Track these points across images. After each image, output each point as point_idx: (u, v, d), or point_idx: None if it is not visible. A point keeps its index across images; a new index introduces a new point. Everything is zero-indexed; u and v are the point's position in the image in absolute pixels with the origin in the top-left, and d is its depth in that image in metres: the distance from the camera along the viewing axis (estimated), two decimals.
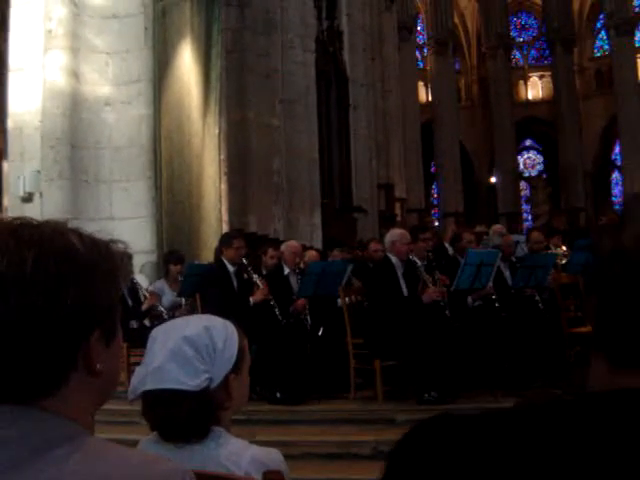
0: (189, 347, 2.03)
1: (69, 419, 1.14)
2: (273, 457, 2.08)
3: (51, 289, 1.11)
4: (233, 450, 2.05)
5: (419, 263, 7.74)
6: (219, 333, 2.08)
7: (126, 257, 1.26)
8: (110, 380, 1.24)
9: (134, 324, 8.54)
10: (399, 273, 7.65)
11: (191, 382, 2.00)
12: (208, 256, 10.25)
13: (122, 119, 10.01)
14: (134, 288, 8.68)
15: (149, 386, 2.04)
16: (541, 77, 37.04)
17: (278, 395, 7.39)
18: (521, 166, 36.61)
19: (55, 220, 1.22)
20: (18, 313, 1.09)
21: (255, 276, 7.95)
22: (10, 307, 1.09)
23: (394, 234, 7.94)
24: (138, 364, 2.18)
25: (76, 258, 1.15)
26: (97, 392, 1.21)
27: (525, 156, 37.60)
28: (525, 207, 34.53)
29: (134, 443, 1.95)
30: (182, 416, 2.01)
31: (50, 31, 9.92)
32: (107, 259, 1.21)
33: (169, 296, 8.94)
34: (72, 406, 1.15)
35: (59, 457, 1.08)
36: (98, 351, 1.17)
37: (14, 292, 1.10)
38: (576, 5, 35.11)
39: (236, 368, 2.09)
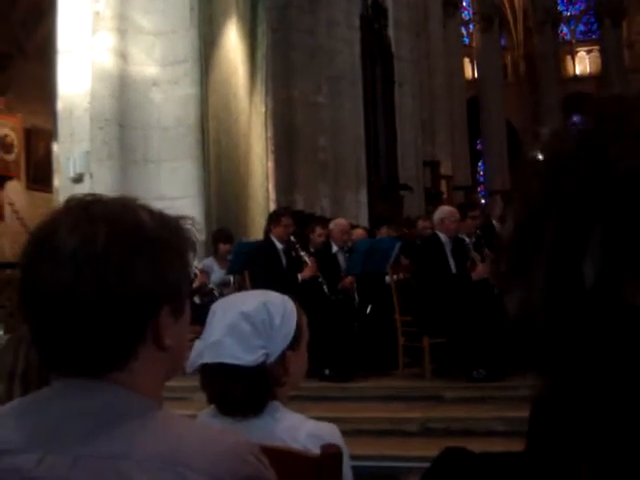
0: (246, 323, 2.05)
1: (139, 392, 1.17)
2: (330, 431, 2.10)
3: (122, 264, 1.14)
4: (290, 424, 2.08)
5: (467, 240, 7.71)
6: (277, 309, 2.09)
7: (194, 234, 1.28)
8: (178, 355, 1.27)
9: None
10: (447, 250, 7.63)
11: (247, 357, 2.03)
12: (256, 234, 10.30)
13: (169, 99, 10.07)
14: None
15: (206, 359, 2.07)
16: (589, 52, 36.43)
17: (327, 372, 7.43)
18: None
19: (125, 197, 1.25)
20: (90, 288, 1.13)
21: (303, 253, 7.99)
22: (82, 282, 1.13)
23: (443, 211, 7.92)
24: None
25: (146, 234, 1.18)
26: (165, 366, 1.24)
27: None
28: None
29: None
30: (238, 391, 2.04)
31: (98, 13, 9.99)
32: (176, 235, 1.23)
33: (218, 274, 9.01)
34: (141, 380, 1.18)
35: (130, 430, 1.12)
36: (167, 326, 1.20)
37: (86, 268, 1.13)
38: None
39: (294, 344, 2.11)
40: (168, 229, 1.22)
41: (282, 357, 2.08)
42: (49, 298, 1.14)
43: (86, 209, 1.18)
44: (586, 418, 0.51)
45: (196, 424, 1.24)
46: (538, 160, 0.56)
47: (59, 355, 1.17)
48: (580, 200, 0.50)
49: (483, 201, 29.92)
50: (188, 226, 1.27)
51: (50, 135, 12.84)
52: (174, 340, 1.21)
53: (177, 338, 1.23)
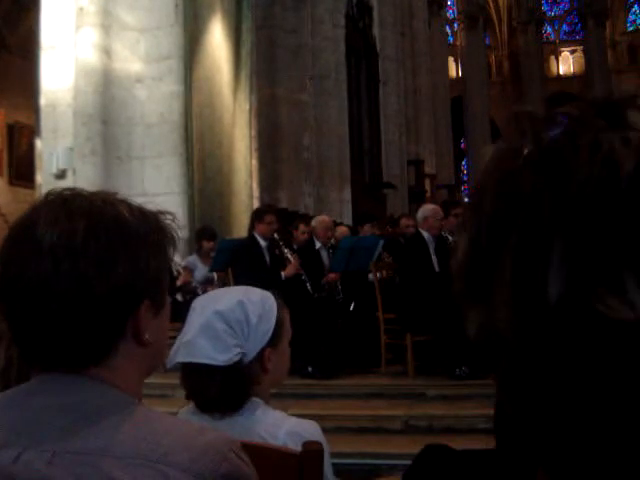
0: (220, 322, 2.02)
1: (118, 388, 1.17)
2: (311, 429, 2.08)
3: (101, 259, 1.13)
4: (270, 422, 2.06)
5: (451, 238, 7.73)
6: (254, 307, 2.06)
7: (174, 229, 1.27)
8: (158, 350, 1.27)
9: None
10: (431, 249, 7.64)
11: (221, 357, 1.99)
12: (239, 231, 10.30)
13: (153, 96, 10.04)
14: None
15: (180, 358, 2.06)
16: (573, 52, 36.61)
17: (310, 369, 7.43)
18: None
19: (105, 191, 1.25)
20: (69, 282, 1.12)
21: (286, 251, 7.99)
22: (61, 277, 1.12)
23: (426, 209, 7.93)
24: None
25: (126, 229, 1.17)
26: (145, 362, 1.23)
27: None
28: None
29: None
30: (212, 389, 2.02)
31: (82, 8, 9.95)
32: (156, 230, 1.23)
33: (201, 271, 9.01)
34: (121, 375, 1.18)
35: (109, 426, 1.11)
36: (147, 321, 1.19)
37: (65, 262, 1.12)
38: None
39: (273, 342, 2.07)
40: (148, 224, 1.22)
41: (260, 355, 2.05)
42: (27, 292, 1.13)
43: (65, 203, 1.18)
44: (545, 428, 0.52)
45: (175, 420, 1.22)
46: (492, 174, 0.56)
47: (37, 350, 1.17)
48: (538, 216, 0.50)
49: (466, 199, 30.05)
50: (168, 221, 1.27)
51: (33, 131, 12.78)
52: (154, 335, 1.21)
53: (157, 333, 1.22)
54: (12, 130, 18.25)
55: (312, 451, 1.87)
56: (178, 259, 9.15)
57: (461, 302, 0.53)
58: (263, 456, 1.68)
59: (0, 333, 2.41)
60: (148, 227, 1.21)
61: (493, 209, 0.52)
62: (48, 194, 1.22)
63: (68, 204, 1.17)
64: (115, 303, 1.14)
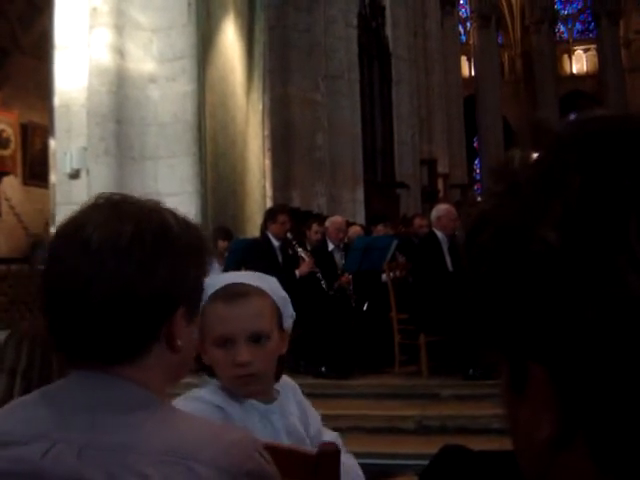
0: None
1: (147, 389, 1.20)
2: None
3: (144, 262, 1.18)
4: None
5: None
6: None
7: (211, 241, 1.31)
8: (187, 356, 1.29)
9: None
10: (445, 248, 7.63)
11: None
12: (252, 231, 10.30)
13: (167, 96, 10.06)
14: None
15: None
16: (586, 51, 36.49)
17: (323, 369, 7.43)
18: None
19: (152, 199, 1.28)
20: (112, 282, 1.16)
21: (300, 250, 7.99)
22: (105, 276, 1.16)
23: (440, 209, 7.92)
24: None
25: (170, 236, 1.22)
26: (174, 368, 1.26)
27: None
28: None
29: None
30: None
31: (95, 9, 9.98)
32: (198, 241, 1.27)
33: (217, 271, 9.00)
34: (151, 377, 1.21)
35: (136, 422, 1.14)
36: (181, 328, 1.23)
37: (110, 262, 1.17)
38: None
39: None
40: (191, 234, 1.26)
41: None
42: (71, 288, 1.17)
43: (114, 206, 1.23)
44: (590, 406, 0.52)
45: (200, 419, 1.26)
46: (499, 183, 0.57)
47: (73, 345, 1.20)
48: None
49: (479, 199, 29.97)
50: (206, 234, 1.32)
51: (46, 131, 12.82)
52: (185, 342, 1.24)
53: (188, 341, 1.26)
54: (26, 130, 18.33)
55: (329, 452, 1.87)
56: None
57: (560, 286, 0.51)
58: (279, 457, 1.67)
59: (22, 333, 2.42)
60: (191, 237, 1.25)
61: (582, 187, 0.52)
62: (98, 197, 1.27)
63: (117, 207, 1.22)
64: (153, 306, 1.18)
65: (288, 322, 2.10)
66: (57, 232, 1.25)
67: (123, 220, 1.19)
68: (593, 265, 0.50)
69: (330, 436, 2.26)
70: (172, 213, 1.26)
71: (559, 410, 0.54)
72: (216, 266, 9.00)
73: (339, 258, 8.42)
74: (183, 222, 1.26)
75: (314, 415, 2.35)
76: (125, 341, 1.18)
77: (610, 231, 0.50)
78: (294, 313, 2.12)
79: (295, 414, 2.22)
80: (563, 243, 0.51)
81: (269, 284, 2.06)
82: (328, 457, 1.86)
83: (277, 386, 2.15)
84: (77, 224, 1.21)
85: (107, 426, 1.13)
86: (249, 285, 2.00)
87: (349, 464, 2.32)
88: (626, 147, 0.52)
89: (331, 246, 8.45)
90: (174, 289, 1.19)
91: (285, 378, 2.23)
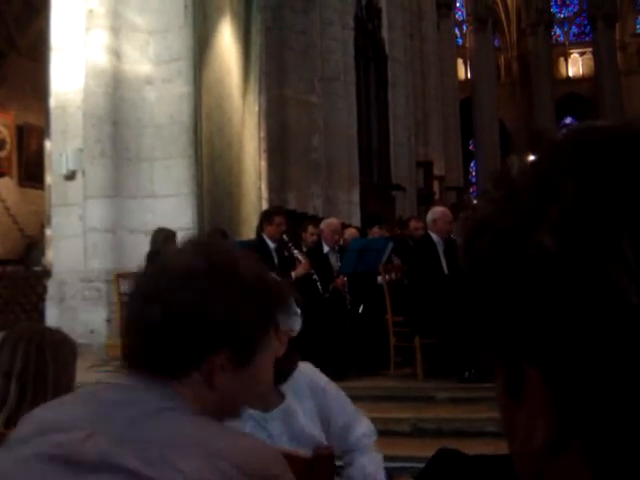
0: None
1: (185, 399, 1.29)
2: None
3: (203, 294, 1.28)
4: None
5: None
6: None
7: (289, 292, 1.45)
8: (230, 402, 1.36)
9: None
10: (440, 251, 7.63)
11: None
12: (248, 233, 10.31)
13: (163, 97, 10.06)
14: None
15: None
16: (582, 54, 36.54)
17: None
18: None
19: (236, 246, 1.46)
20: (177, 303, 1.28)
21: (296, 251, 7.98)
22: (164, 294, 1.29)
23: (436, 212, 7.91)
24: None
25: (237, 283, 1.31)
26: (211, 405, 1.32)
27: None
28: None
29: None
30: None
31: (91, 10, 9.98)
32: (266, 295, 1.34)
33: None
34: (189, 393, 1.30)
35: (173, 422, 1.24)
36: (223, 368, 1.30)
37: (174, 284, 1.29)
38: None
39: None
40: (261, 288, 1.34)
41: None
42: (135, 299, 1.34)
43: (199, 245, 1.39)
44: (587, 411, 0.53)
45: (226, 428, 1.33)
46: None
47: (130, 351, 1.35)
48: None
49: (475, 202, 30.02)
50: (289, 292, 1.44)
51: (42, 132, 12.82)
52: (227, 386, 1.31)
53: (231, 386, 1.32)
54: (22, 131, 18.32)
55: (323, 455, 1.88)
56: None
57: (554, 290, 0.52)
58: None
59: (17, 336, 2.43)
60: (260, 290, 1.33)
61: (577, 193, 0.52)
62: (192, 237, 1.47)
63: (200, 246, 1.38)
64: (198, 335, 1.27)
65: (286, 322, 2.09)
66: (158, 258, 1.45)
67: (199, 256, 1.32)
68: (587, 270, 0.51)
69: (361, 429, 2.26)
70: (249, 262, 1.36)
71: (554, 414, 0.54)
72: None
73: (334, 260, 8.42)
74: (257, 274, 1.35)
75: (340, 407, 2.35)
76: (170, 356, 1.28)
77: (604, 236, 0.50)
78: (298, 310, 2.10)
79: (306, 414, 2.21)
80: (559, 248, 0.52)
81: None
82: (322, 460, 1.87)
83: (286, 386, 2.14)
84: (167, 252, 1.43)
85: (143, 422, 1.22)
86: None
87: (369, 471, 2.31)
88: (620, 154, 0.53)
89: (326, 248, 8.44)
90: (223, 328, 1.27)
91: (301, 368, 2.20)
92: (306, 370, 2.34)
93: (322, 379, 2.44)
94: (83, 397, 1.33)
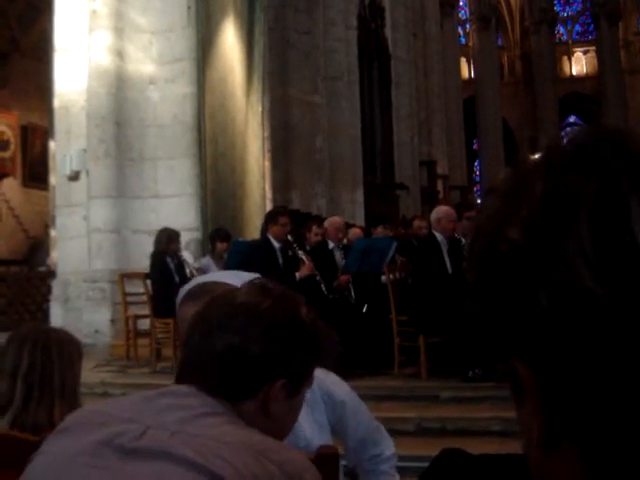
0: None
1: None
2: None
3: (266, 330, 1.43)
4: None
5: (464, 241, 7.71)
6: None
7: (335, 341, 1.59)
8: (280, 427, 1.51)
9: None
10: (444, 250, 7.62)
11: None
12: (252, 232, 10.31)
13: (166, 97, 10.07)
14: (181, 265, 8.76)
15: None
16: (585, 52, 36.51)
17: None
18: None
19: (297, 294, 1.56)
20: (233, 333, 1.43)
21: (300, 252, 7.98)
22: (230, 327, 1.43)
23: (440, 211, 7.90)
24: None
25: (296, 322, 1.47)
26: (262, 428, 1.42)
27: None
28: None
29: None
30: None
31: (94, 11, 9.99)
32: (317, 337, 1.51)
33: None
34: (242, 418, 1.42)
35: (221, 424, 1.35)
36: (277, 397, 1.44)
37: (240, 319, 1.44)
38: None
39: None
40: (315, 330, 1.50)
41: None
42: (203, 328, 1.46)
43: (264, 286, 1.52)
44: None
45: (268, 436, 1.43)
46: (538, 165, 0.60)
47: (191, 369, 1.46)
48: (610, 184, 0.54)
49: (479, 201, 30.02)
50: (329, 332, 1.56)
51: (46, 132, 12.85)
52: (280, 413, 1.46)
53: (283, 413, 1.48)
54: (26, 132, 18.35)
55: (327, 455, 1.87)
56: (191, 260, 9.17)
57: (522, 279, 0.55)
58: None
59: (24, 336, 2.43)
60: (313, 331, 1.49)
61: (545, 192, 0.56)
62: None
63: (266, 287, 1.52)
64: (258, 367, 1.42)
65: None
66: (212, 292, 1.62)
67: (266, 296, 1.47)
68: (548, 258, 0.54)
69: (380, 449, 2.24)
70: (306, 308, 1.52)
71: (545, 412, 0.56)
72: (214, 268, 9.01)
73: (339, 257, 8.42)
74: (312, 318, 1.51)
75: (358, 422, 2.29)
76: (226, 384, 1.41)
77: (564, 228, 0.54)
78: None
79: (314, 427, 2.17)
80: (526, 241, 0.55)
81: (243, 280, 2.03)
82: (326, 460, 1.86)
83: None
84: (232, 290, 1.55)
85: (196, 422, 1.33)
86: (222, 283, 1.98)
87: None
88: (582, 157, 0.56)
89: (331, 245, 8.46)
90: (281, 361, 1.44)
91: (319, 376, 2.15)
92: (324, 380, 2.29)
93: (342, 391, 2.37)
94: (138, 398, 1.43)
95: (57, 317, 9.86)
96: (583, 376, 0.53)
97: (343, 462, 2.17)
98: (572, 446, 0.55)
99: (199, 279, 2.20)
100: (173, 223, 9.10)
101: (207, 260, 9.21)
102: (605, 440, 0.53)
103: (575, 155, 0.57)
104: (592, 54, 35.69)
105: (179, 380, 1.46)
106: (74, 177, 10.11)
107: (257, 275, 2.10)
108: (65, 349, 2.44)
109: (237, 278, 2.03)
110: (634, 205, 0.52)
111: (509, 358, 0.58)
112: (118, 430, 1.32)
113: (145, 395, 1.42)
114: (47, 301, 10.48)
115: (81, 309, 9.81)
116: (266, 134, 12.17)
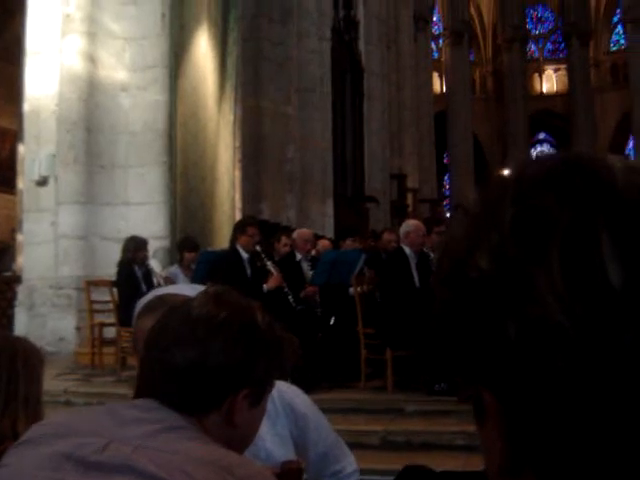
0: None
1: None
2: None
3: (226, 341, 1.42)
4: None
5: (432, 255, 7.74)
6: None
7: (295, 345, 1.60)
8: (244, 437, 1.51)
9: None
10: (412, 264, 7.65)
11: None
12: (221, 242, 10.28)
13: (138, 104, 10.02)
14: (148, 273, 8.71)
15: None
16: (556, 70, 36.89)
17: (288, 382, 7.40)
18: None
19: (250, 300, 1.55)
20: (193, 347, 1.41)
21: (269, 263, 7.97)
22: (190, 340, 1.42)
23: (409, 225, 7.94)
24: None
25: (254, 330, 1.47)
26: (228, 440, 1.43)
27: (538, 149, 37.50)
28: None
29: None
30: None
31: (68, 15, 9.94)
32: (277, 341, 1.51)
33: (182, 282, 8.96)
34: (205, 430, 1.41)
35: (185, 438, 1.34)
36: (242, 406, 1.44)
37: (199, 332, 1.42)
38: None
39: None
40: (273, 335, 1.50)
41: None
42: (162, 343, 1.45)
43: (218, 295, 1.51)
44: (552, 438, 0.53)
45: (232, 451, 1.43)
46: (506, 190, 0.59)
47: (152, 384, 1.45)
48: (581, 214, 0.54)
49: (448, 214, 30.18)
50: (288, 337, 1.56)
51: (15, 136, 12.72)
52: (245, 422, 1.46)
53: (248, 422, 1.48)
54: None
55: (291, 470, 1.87)
56: (159, 269, 9.12)
57: (490, 309, 0.55)
58: None
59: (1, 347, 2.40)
60: (271, 337, 1.49)
61: (515, 219, 0.55)
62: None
63: (220, 296, 1.50)
64: (221, 378, 1.41)
65: None
66: (170, 304, 1.59)
67: (222, 306, 1.46)
68: (517, 289, 0.53)
69: (341, 465, 2.24)
70: (263, 314, 1.50)
71: (508, 440, 0.56)
72: (181, 277, 8.97)
73: (307, 268, 8.42)
74: (269, 324, 1.50)
75: (320, 435, 2.29)
76: (190, 398, 1.40)
77: (534, 258, 0.53)
78: None
79: (275, 439, 2.16)
80: (495, 269, 0.54)
81: None
82: (291, 475, 1.86)
83: None
84: (187, 301, 1.52)
85: (159, 436, 1.32)
86: (180, 295, 1.91)
87: None
88: (553, 187, 0.55)
89: (299, 256, 8.45)
90: (244, 371, 1.43)
91: (280, 388, 2.13)
92: (286, 392, 2.28)
93: (304, 404, 2.36)
94: (101, 411, 1.42)
95: (21, 323, 9.76)
96: (548, 408, 0.53)
97: (305, 476, 2.16)
98: (533, 475, 0.55)
99: (156, 292, 2.18)
100: (142, 231, 9.05)
101: (175, 269, 9.17)
102: (567, 472, 0.53)
103: (545, 182, 0.56)
104: (563, 72, 36.06)
105: (139, 394, 1.45)
106: (42, 182, 10.03)
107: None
108: (30, 360, 2.42)
109: (195, 291, 2.02)
110: (605, 238, 0.52)
111: (474, 384, 0.58)
112: (80, 443, 1.31)
113: (109, 408, 1.42)
114: (12, 307, 10.36)
115: (46, 315, 9.71)
116: (237, 144, 12.16)
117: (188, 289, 2.05)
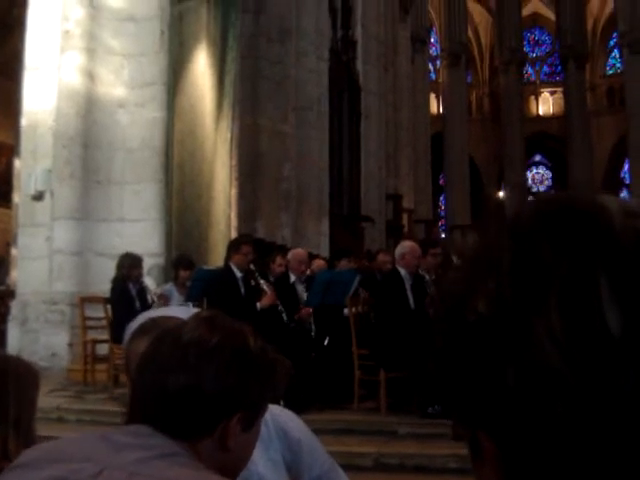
0: None
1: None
2: None
3: (219, 367, 1.42)
4: None
5: (427, 277, 7.73)
6: None
7: (287, 368, 1.57)
8: (237, 461, 1.50)
9: None
10: (407, 286, 7.64)
11: None
12: (216, 260, 10.26)
13: (136, 121, 10.03)
14: (142, 291, 8.69)
15: None
16: (553, 93, 37.08)
17: (281, 403, 7.37)
18: (529, 181, 36.59)
19: (242, 324, 1.53)
20: (187, 373, 1.41)
21: (262, 282, 7.95)
22: (182, 366, 1.41)
23: (404, 247, 7.92)
24: None
25: (246, 354, 1.46)
26: (221, 465, 1.43)
27: (534, 171, 37.63)
28: None
29: None
30: None
31: (67, 31, 9.96)
32: (269, 365, 1.50)
33: (177, 300, 8.93)
34: (198, 456, 1.40)
35: (178, 466, 1.33)
36: (235, 431, 1.43)
37: (190, 358, 1.42)
38: (590, 23, 35.16)
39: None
40: (265, 359, 1.49)
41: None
42: (154, 369, 1.44)
43: (210, 319, 1.50)
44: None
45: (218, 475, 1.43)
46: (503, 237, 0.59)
47: (146, 410, 1.43)
48: (580, 260, 0.54)
49: (443, 235, 30.20)
50: (283, 362, 1.55)
51: (12, 150, 12.73)
52: (238, 446, 1.44)
53: (241, 446, 1.46)
54: None
55: None
56: (153, 286, 9.10)
57: (488, 354, 0.55)
58: None
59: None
60: (264, 361, 1.49)
61: (513, 265, 0.56)
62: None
63: (211, 320, 1.50)
64: (214, 404, 1.40)
65: None
66: (163, 327, 1.58)
67: (214, 330, 1.46)
68: (515, 334, 0.53)
69: None
70: (254, 337, 1.50)
71: None
72: (176, 295, 8.94)
73: (301, 290, 8.40)
74: (261, 347, 1.50)
75: (314, 461, 2.27)
76: (183, 423, 1.39)
77: (533, 304, 0.53)
78: None
79: (268, 464, 2.14)
80: (494, 315, 0.55)
81: None
82: None
83: None
84: (179, 325, 1.51)
85: (152, 463, 1.32)
86: (173, 318, 1.89)
87: None
88: (552, 230, 0.56)
89: (293, 278, 8.42)
90: (237, 396, 1.42)
91: (273, 412, 2.11)
92: (279, 415, 2.25)
93: (298, 428, 2.34)
94: (96, 437, 1.41)
95: (14, 338, 9.72)
96: (547, 453, 0.52)
97: None
98: None
99: (149, 313, 2.18)
100: (137, 248, 9.03)
101: (169, 287, 9.14)
102: None
103: (542, 227, 0.56)
104: (559, 95, 36.23)
105: (132, 419, 1.45)
106: (38, 197, 10.02)
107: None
108: (22, 379, 2.40)
109: (188, 314, 2.01)
110: (604, 285, 0.52)
111: (472, 427, 0.58)
112: (74, 468, 1.31)
113: (103, 434, 1.41)
114: (5, 322, 10.33)
115: (39, 331, 9.67)
116: (234, 162, 12.17)
117: (181, 311, 2.04)
